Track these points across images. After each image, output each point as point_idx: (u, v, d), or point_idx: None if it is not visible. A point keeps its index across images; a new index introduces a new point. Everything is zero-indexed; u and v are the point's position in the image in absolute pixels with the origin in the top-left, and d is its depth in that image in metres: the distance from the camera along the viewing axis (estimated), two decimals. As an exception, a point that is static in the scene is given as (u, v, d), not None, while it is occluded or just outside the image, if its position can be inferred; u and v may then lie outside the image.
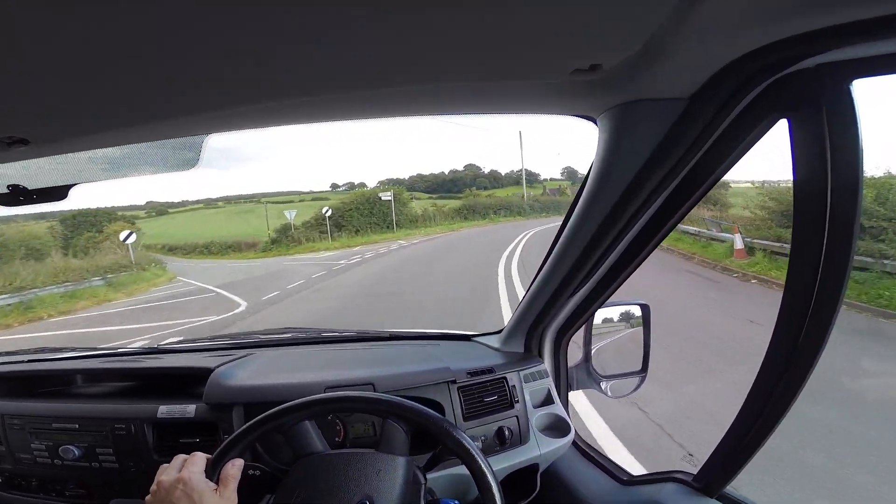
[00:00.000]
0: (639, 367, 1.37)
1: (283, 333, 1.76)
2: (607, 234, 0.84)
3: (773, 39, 0.50)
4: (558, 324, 1.27)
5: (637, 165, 0.70)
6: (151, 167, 0.89)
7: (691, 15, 0.46)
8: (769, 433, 0.81)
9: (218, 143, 0.86)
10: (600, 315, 1.30)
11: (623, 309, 1.35)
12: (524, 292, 1.25)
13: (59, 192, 0.98)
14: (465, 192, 44.71)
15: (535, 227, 23.01)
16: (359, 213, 30.50)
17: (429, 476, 0.96)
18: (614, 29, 0.49)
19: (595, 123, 0.74)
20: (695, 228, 11.42)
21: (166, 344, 1.71)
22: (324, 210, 29.65)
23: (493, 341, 1.49)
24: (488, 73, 0.58)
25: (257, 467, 0.95)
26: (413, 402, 0.94)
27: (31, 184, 0.95)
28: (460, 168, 55.17)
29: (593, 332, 1.35)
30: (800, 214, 0.62)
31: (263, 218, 32.72)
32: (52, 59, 0.46)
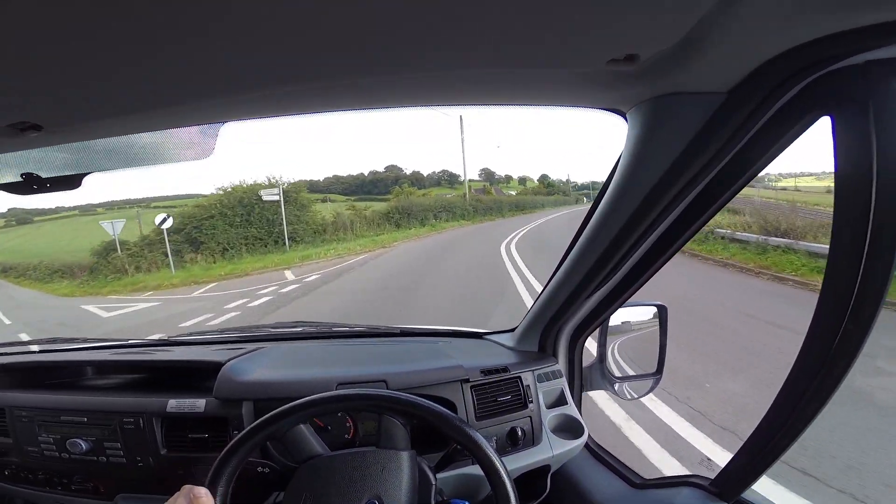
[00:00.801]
0: (654, 369, 1.34)
1: (293, 327, 1.76)
2: (633, 231, 0.81)
3: (820, 35, 0.48)
4: (574, 323, 1.25)
5: (668, 161, 0.68)
6: (167, 156, 0.87)
7: (737, 7, 0.44)
8: (794, 439, 0.79)
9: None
10: (616, 315, 1.27)
11: (639, 309, 1.33)
12: (540, 290, 1.22)
13: (73, 181, 0.97)
14: (394, 190, 35.55)
15: (506, 236, 16.89)
16: (225, 223, 18.21)
17: (438, 476, 0.96)
18: (656, 18, 0.47)
19: (624, 118, 0.72)
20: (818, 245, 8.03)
21: (177, 336, 1.70)
22: (158, 219, 16.92)
23: (506, 340, 1.47)
24: (519, 62, 0.56)
25: (266, 465, 0.94)
26: (423, 399, 0.92)
27: (45, 172, 0.94)
28: (381, 169, 50.01)
29: (608, 332, 1.33)
30: (841, 213, 0.60)
31: (138, 228, 19.37)
32: (64, 43, 0.45)
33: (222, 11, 0.41)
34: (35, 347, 1.66)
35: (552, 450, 1.20)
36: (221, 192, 19.49)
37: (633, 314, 1.33)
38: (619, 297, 1.06)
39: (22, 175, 0.93)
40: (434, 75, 0.60)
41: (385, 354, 1.41)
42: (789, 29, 0.48)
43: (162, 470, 1.14)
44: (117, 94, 0.60)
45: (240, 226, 18.64)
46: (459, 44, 0.51)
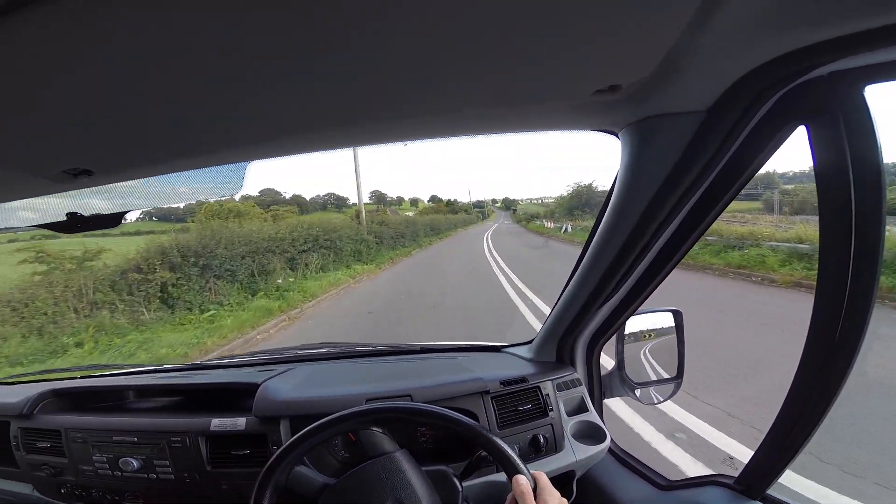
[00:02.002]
0: (674, 373, 1.36)
1: (319, 348, 1.82)
2: (636, 244, 0.85)
3: (784, 51, 0.52)
4: (589, 333, 1.28)
5: (661, 177, 0.72)
6: (197, 193, 0.94)
7: (704, 31, 0.49)
8: (812, 432, 0.81)
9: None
10: (632, 323, 1.29)
11: (655, 316, 1.35)
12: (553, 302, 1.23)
13: (113, 219, 1.04)
14: (201, 210, 13.91)
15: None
16: None
17: (465, 484, 0.98)
18: (631, 51, 0.52)
19: (617, 137, 0.76)
20: None
21: (209, 360, 1.77)
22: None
23: (524, 351, 1.50)
24: (512, 100, 0.61)
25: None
26: (427, 405, 0.98)
27: (87, 211, 1.01)
28: (255, 193, 38.58)
29: (626, 339, 1.36)
30: (826, 215, 0.64)
31: None
32: (114, 99, 0.50)
33: (257, 70, 0.48)
34: (77, 373, 1.74)
35: (575, 455, 1.23)
36: None
37: (649, 321, 1.35)
38: (629, 306, 1.10)
39: (67, 215, 0.99)
40: (439, 116, 0.66)
41: (408, 371, 1.45)
42: (756, 47, 0.53)
43: (207, 485, 1.20)
44: (162, 142, 0.66)
45: None
46: (462, 89, 0.57)
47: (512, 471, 0.89)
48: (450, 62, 0.49)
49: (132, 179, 0.85)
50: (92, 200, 0.99)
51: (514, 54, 0.49)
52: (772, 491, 0.97)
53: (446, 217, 42.35)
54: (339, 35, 0.43)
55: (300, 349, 1.85)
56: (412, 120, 0.66)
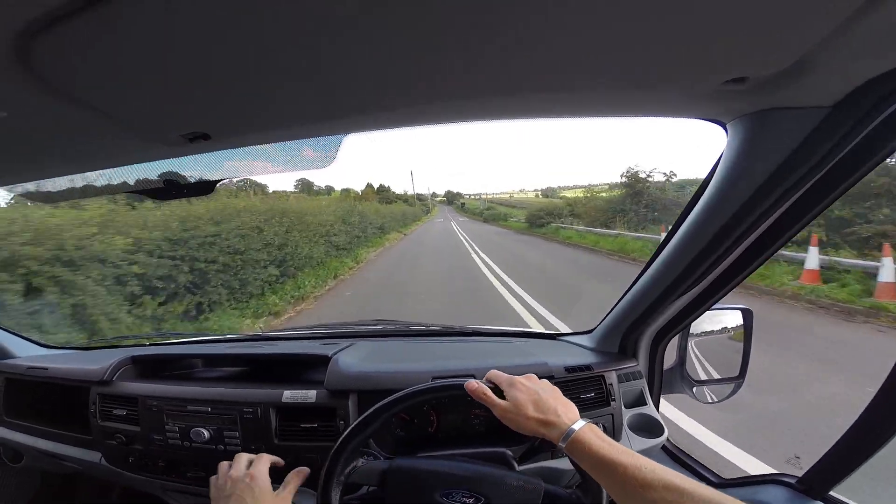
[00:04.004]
0: (736, 372, 1.34)
1: (375, 325, 1.85)
2: (726, 238, 0.83)
3: None
4: (657, 326, 1.27)
5: (767, 171, 0.70)
6: (292, 165, 0.97)
7: (849, 33, 0.47)
8: (890, 438, 0.78)
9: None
10: (700, 319, 1.27)
11: (723, 314, 1.33)
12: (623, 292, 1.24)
13: (207, 187, 1.06)
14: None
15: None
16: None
17: (521, 468, 0.99)
18: (770, 44, 0.50)
19: (723, 127, 0.75)
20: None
21: (271, 331, 1.83)
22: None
23: (584, 341, 1.50)
24: (631, 82, 0.60)
25: (365, 452, 1.02)
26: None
27: (183, 178, 1.03)
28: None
29: (690, 336, 1.34)
30: None
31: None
32: (235, 62, 0.51)
33: (371, 41, 0.47)
34: (147, 341, 1.82)
35: (632, 447, 1.23)
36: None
37: (716, 318, 1.33)
38: (705, 302, 1.08)
39: (164, 182, 1.02)
40: (542, 96, 0.64)
41: (469, 351, 1.48)
42: None
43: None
44: (278, 107, 0.67)
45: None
46: (592, 67, 0.55)
47: (458, 389, 0.90)
48: (588, 33, 0.47)
49: (246, 145, 0.86)
50: (188, 166, 1.02)
51: (647, 35, 0.47)
52: (835, 492, 0.94)
53: (375, 208, 23.03)
54: None
55: (356, 325, 1.88)
56: (513, 99, 0.63)
